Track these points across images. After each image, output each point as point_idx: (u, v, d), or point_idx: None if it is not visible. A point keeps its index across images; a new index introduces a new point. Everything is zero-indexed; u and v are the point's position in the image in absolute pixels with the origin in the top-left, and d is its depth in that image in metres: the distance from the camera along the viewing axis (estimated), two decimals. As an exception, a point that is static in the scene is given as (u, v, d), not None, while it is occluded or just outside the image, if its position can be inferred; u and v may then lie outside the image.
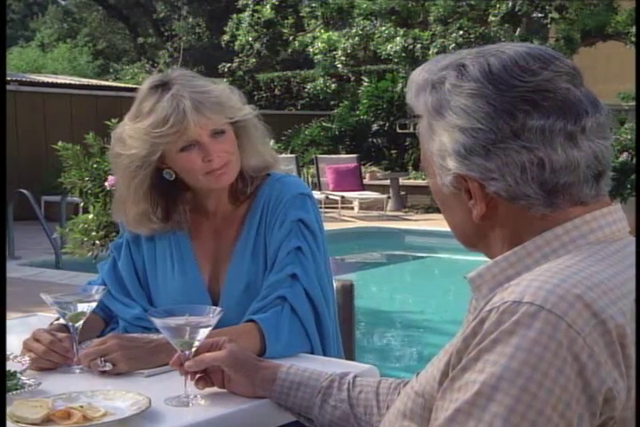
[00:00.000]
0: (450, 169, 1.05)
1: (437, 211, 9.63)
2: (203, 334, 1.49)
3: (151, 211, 1.95)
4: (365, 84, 16.29)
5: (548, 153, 1.01)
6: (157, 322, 1.49)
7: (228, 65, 18.48)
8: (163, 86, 1.84)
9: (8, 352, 1.70)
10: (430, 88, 1.08)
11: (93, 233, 5.01)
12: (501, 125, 1.01)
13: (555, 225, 1.03)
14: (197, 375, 1.50)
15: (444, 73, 1.07)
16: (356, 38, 14.89)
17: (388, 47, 14.13)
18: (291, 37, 16.99)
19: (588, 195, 1.04)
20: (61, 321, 1.79)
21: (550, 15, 14.21)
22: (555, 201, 1.03)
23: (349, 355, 2.11)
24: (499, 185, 1.02)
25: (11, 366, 1.60)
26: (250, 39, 16.94)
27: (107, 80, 22.20)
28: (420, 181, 13.64)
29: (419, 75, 1.11)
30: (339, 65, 15.41)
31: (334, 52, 15.35)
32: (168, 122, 1.80)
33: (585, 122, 1.02)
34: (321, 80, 16.70)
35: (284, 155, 13.05)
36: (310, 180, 13.59)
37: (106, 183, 4.82)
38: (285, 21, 16.98)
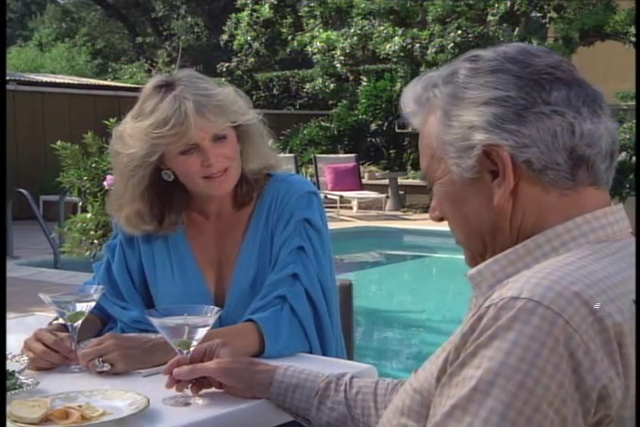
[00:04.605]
0: (475, 145, 1.04)
1: (436, 210, 9.61)
2: (201, 333, 1.48)
3: (145, 211, 1.93)
4: (364, 83, 16.29)
5: (577, 118, 1.03)
6: (155, 322, 1.48)
7: (227, 64, 18.50)
8: (167, 86, 1.83)
9: (6, 352, 1.69)
10: (442, 82, 1.08)
11: (92, 232, 5.01)
12: (530, 92, 1.03)
13: (565, 219, 1.03)
14: (190, 384, 1.50)
15: (454, 68, 1.09)
16: (355, 38, 14.89)
17: (387, 47, 14.14)
18: (289, 37, 17.01)
19: (602, 176, 1.06)
20: (60, 321, 1.79)
21: (549, 15, 14.22)
22: (577, 173, 1.03)
23: (348, 355, 2.11)
24: (531, 151, 1.02)
25: (9, 365, 1.60)
26: (248, 39, 16.96)
27: (105, 79, 22.18)
28: (418, 181, 13.64)
29: (422, 79, 1.12)
30: (337, 64, 15.42)
31: (333, 52, 15.35)
32: (168, 123, 1.78)
33: (600, 100, 1.06)
34: (319, 80, 16.69)
35: (282, 154, 13.05)
36: (309, 179, 13.57)
37: (104, 183, 4.81)
38: (284, 21, 17.01)
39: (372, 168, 15.09)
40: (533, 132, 1.02)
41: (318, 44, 15.65)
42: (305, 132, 16.22)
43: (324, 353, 1.86)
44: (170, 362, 1.50)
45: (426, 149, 1.11)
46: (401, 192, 13.67)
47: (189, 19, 29.05)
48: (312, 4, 15.92)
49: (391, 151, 16.03)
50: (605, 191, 1.08)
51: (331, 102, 17.71)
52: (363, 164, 14.60)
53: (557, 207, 1.04)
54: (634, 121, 11.10)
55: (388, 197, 13.42)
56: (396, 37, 14.10)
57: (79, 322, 1.69)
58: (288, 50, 17.55)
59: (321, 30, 15.99)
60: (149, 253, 1.98)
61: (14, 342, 1.76)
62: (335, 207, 12.65)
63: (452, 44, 13.34)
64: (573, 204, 1.04)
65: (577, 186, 1.04)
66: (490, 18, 13.91)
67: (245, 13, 17.11)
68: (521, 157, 1.03)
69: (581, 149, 1.03)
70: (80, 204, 5.26)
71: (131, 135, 1.85)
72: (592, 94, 1.05)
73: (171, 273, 1.96)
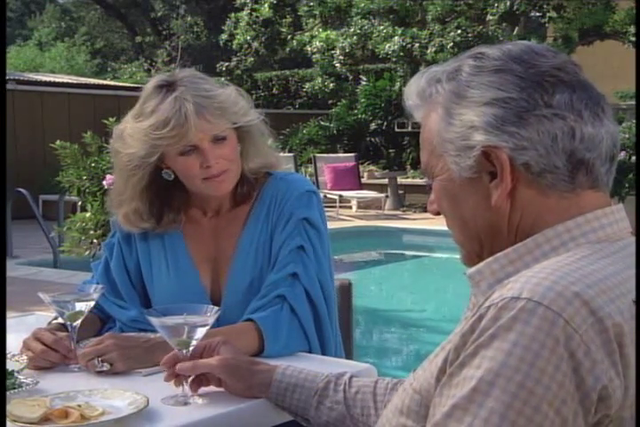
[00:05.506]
0: (475, 146, 1.04)
1: (435, 210, 9.69)
2: (200, 333, 1.48)
3: (144, 209, 1.93)
4: (363, 83, 16.29)
5: (578, 122, 1.02)
6: (155, 321, 1.48)
7: (226, 64, 18.47)
8: (168, 87, 1.82)
9: (6, 351, 1.69)
10: (446, 78, 1.08)
11: (91, 232, 5.01)
12: (532, 94, 1.02)
13: (565, 219, 1.03)
14: (190, 379, 1.50)
15: (458, 64, 1.08)
16: (354, 37, 14.89)
17: (386, 46, 14.14)
18: (289, 36, 17.00)
19: (602, 179, 1.05)
20: (59, 320, 1.79)
21: (548, 14, 14.24)
22: (577, 176, 1.03)
23: (348, 354, 2.11)
24: (530, 154, 1.02)
25: (8, 365, 1.60)
26: (248, 38, 16.94)
27: (105, 79, 22.18)
28: (418, 180, 13.65)
29: (427, 73, 1.12)
30: (337, 64, 15.42)
31: (332, 51, 15.35)
32: (168, 124, 1.78)
33: (603, 103, 1.06)
34: (319, 79, 16.70)
35: (281, 154, 13.02)
36: (308, 179, 13.55)
37: (104, 182, 4.82)
38: (283, 20, 16.99)
39: (372, 168, 15.10)
40: (533, 134, 1.02)
41: (318, 43, 15.65)
42: (304, 131, 16.22)
43: (324, 353, 1.86)
44: (167, 356, 1.50)
45: (426, 144, 1.12)
46: (400, 192, 13.68)
47: (189, 18, 29.06)
48: (311, 4, 15.91)
49: (390, 151, 16.03)
50: (606, 194, 1.07)
51: (330, 102, 17.71)
52: (362, 163, 14.60)
53: (556, 209, 1.04)
54: (633, 121, 11.11)
55: (387, 196, 13.43)
56: (396, 37, 14.10)
57: (78, 321, 1.69)
58: (287, 49, 17.55)
59: (320, 30, 15.99)
60: (146, 251, 1.99)
61: (14, 342, 1.76)
62: (334, 207, 12.64)
63: (452, 44, 13.35)
64: (573, 205, 1.04)
65: (576, 189, 1.04)
66: (489, 17, 13.92)
67: (245, 13, 17.09)
68: (519, 159, 1.02)
69: (581, 152, 1.03)
70: (79, 203, 5.27)
71: (131, 135, 1.85)
72: (595, 97, 1.05)
73: (166, 269, 1.96)
